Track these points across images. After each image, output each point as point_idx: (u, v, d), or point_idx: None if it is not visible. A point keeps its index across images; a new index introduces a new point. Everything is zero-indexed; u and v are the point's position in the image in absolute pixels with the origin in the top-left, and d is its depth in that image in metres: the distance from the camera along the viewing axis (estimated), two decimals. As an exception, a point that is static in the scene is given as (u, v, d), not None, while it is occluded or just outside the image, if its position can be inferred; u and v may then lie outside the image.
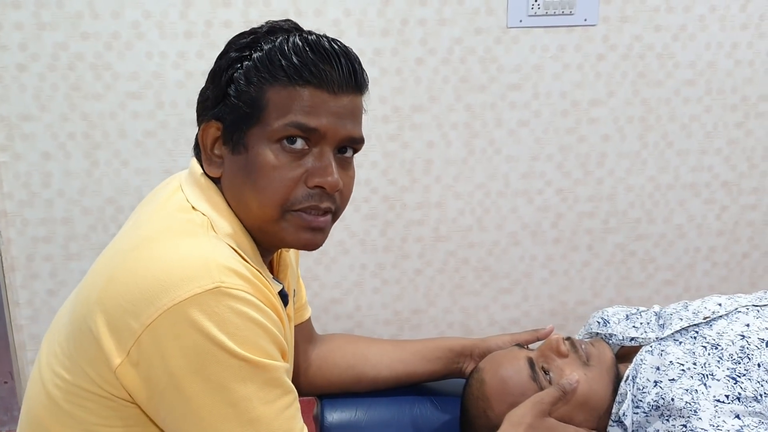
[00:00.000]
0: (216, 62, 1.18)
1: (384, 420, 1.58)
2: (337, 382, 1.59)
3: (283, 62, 1.11)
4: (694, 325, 1.43)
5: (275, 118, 1.11)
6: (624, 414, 1.36)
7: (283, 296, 1.22)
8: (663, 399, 1.32)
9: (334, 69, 1.12)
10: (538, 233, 2.28)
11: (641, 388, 1.37)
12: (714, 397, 1.29)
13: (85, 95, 1.98)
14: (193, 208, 1.14)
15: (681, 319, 1.46)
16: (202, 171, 1.19)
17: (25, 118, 1.97)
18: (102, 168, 2.04)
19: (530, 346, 1.58)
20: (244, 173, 1.13)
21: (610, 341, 1.54)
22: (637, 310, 1.60)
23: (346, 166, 1.18)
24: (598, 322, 1.60)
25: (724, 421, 1.25)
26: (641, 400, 1.36)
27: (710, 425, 1.26)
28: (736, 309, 1.44)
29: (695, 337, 1.40)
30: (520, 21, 2.09)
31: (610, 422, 1.41)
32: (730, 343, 1.36)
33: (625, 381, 1.40)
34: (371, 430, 1.57)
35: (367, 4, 2.02)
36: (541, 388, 1.39)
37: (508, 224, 2.26)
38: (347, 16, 2.02)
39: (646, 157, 2.25)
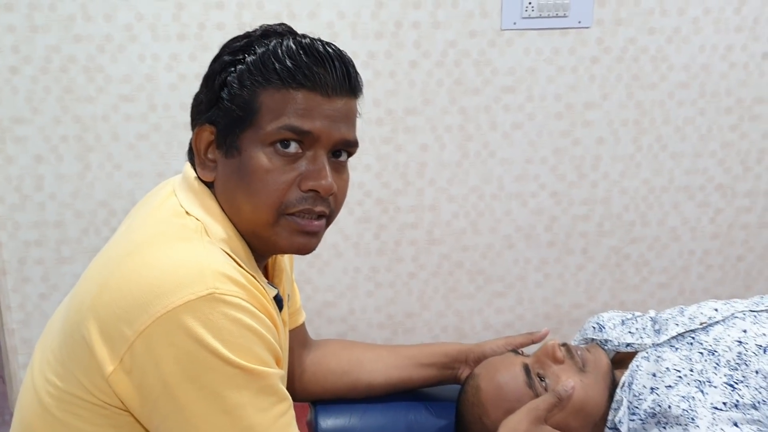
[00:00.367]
0: (210, 66, 1.17)
1: (378, 426, 1.57)
2: (332, 388, 1.58)
3: (276, 65, 1.10)
4: (691, 330, 1.43)
5: (268, 121, 1.10)
6: (620, 421, 1.36)
7: (278, 301, 1.21)
8: (660, 406, 1.32)
9: (328, 72, 1.11)
10: (532, 236, 2.28)
11: (637, 394, 1.37)
12: (711, 404, 1.28)
13: (78, 98, 1.97)
14: (186, 213, 1.13)
15: (677, 325, 1.45)
16: (195, 175, 1.18)
17: (17, 120, 1.96)
18: (94, 171, 2.02)
19: (526, 350, 1.57)
20: (238, 177, 1.12)
21: (606, 347, 1.53)
22: (633, 315, 1.59)
23: (340, 169, 1.17)
24: (594, 328, 1.59)
25: (722, 429, 1.25)
26: (637, 407, 1.35)
27: (707, 432, 1.26)
28: (733, 314, 1.44)
29: (692, 343, 1.40)
30: (514, 23, 2.08)
31: (606, 429, 1.40)
32: (727, 349, 1.35)
33: (621, 387, 1.39)
34: (365, 436, 1.56)
35: (361, 6, 2.01)
36: (537, 395, 1.38)
37: (502, 227, 2.25)
38: (341, 19, 2.01)
39: (640, 160, 2.25)
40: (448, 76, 2.10)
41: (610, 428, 1.39)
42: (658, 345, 1.43)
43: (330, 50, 1.13)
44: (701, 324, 1.43)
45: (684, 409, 1.29)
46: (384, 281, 2.25)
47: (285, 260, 1.39)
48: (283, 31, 1.16)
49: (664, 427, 1.31)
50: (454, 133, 2.14)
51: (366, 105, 1.19)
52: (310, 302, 2.21)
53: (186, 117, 1.20)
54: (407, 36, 2.05)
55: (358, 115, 1.18)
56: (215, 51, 1.19)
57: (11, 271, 2.06)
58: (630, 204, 2.29)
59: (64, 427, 1.09)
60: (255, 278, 1.11)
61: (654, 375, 1.37)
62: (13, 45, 1.91)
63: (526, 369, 1.42)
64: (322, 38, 1.15)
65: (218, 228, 1.13)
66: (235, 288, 1.03)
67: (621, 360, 1.52)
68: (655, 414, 1.32)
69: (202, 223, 1.12)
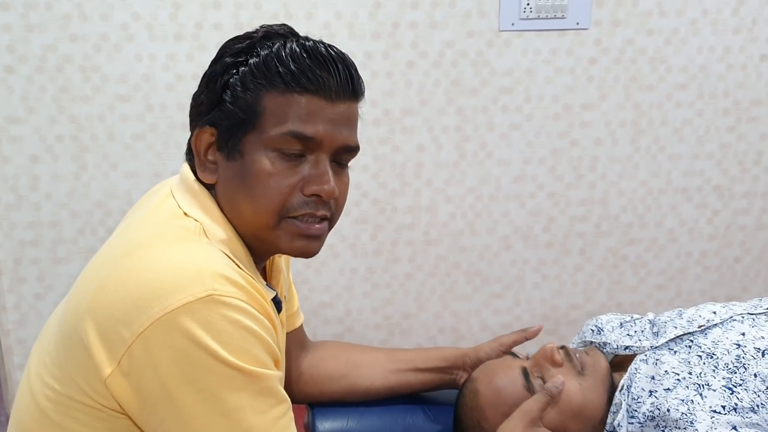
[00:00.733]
0: (210, 67, 1.16)
1: (376, 429, 1.57)
2: (329, 391, 1.58)
3: (280, 69, 1.10)
4: (689, 333, 1.43)
5: (272, 125, 1.10)
6: (619, 424, 1.35)
7: (277, 303, 1.21)
8: (658, 409, 1.31)
9: (332, 75, 1.11)
10: (530, 237, 2.27)
11: (636, 398, 1.36)
12: (710, 407, 1.28)
13: (74, 98, 1.96)
14: (185, 214, 1.13)
15: (675, 327, 1.45)
16: (194, 177, 1.17)
17: (13, 120, 1.95)
18: (90, 171, 2.02)
19: (525, 351, 1.57)
20: (239, 180, 1.12)
21: (604, 350, 1.53)
22: (631, 317, 1.59)
23: (340, 173, 1.17)
24: (592, 330, 1.59)
25: (721, 432, 1.25)
26: (636, 411, 1.35)
27: (707, 436, 1.26)
28: (731, 317, 1.44)
29: (690, 346, 1.40)
30: (512, 24, 2.08)
31: (605, 432, 1.40)
32: (726, 353, 1.35)
33: (620, 391, 1.39)
34: (363, 439, 1.56)
35: (358, 6, 2.01)
36: (536, 398, 1.38)
37: (500, 228, 2.25)
38: (338, 19, 2.01)
39: (638, 161, 2.25)
40: (446, 77, 2.09)
41: (608, 431, 1.39)
42: (656, 348, 1.43)
43: (333, 53, 1.13)
44: (699, 327, 1.43)
45: (683, 413, 1.28)
46: (381, 282, 2.25)
47: (282, 261, 1.39)
48: (285, 33, 1.16)
49: (663, 431, 1.30)
50: (452, 133, 2.14)
51: (363, 105, 1.19)
52: (306, 303, 2.21)
53: (183, 117, 1.20)
54: (404, 36, 2.05)
55: (359, 118, 1.18)
56: (212, 51, 1.18)
57: (7, 272, 2.05)
58: (628, 205, 2.29)
59: (61, 431, 1.08)
60: (254, 280, 1.11)
61: (653, 378, 1.37)
62: (8, 44, 1.90)
63: (525, 372, 1.42)
64: (323, 40, 1.15)
65: (217, 229, 1.12)
66: (234, 289, 1.03)
67: (620, 363, 1.52)
68: (654, 417, 1.32)
69: (201, 225, 1.12)
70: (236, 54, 1.14)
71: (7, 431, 1.22)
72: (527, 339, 1.60)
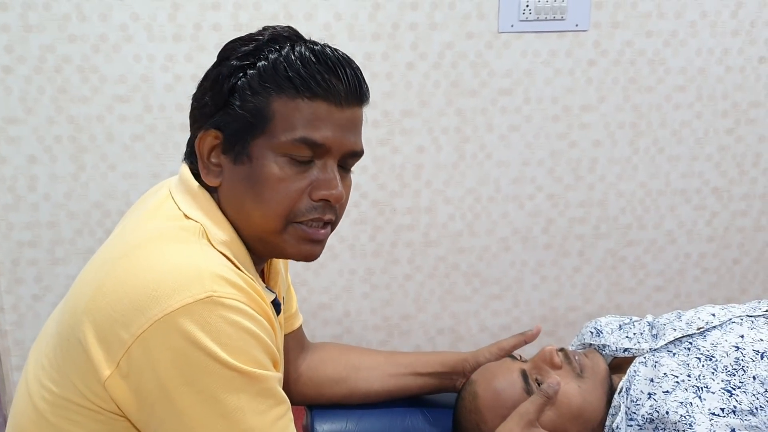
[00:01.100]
0: (214, 69, 1.15)
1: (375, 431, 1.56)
2: (328, 394, 1.57)
3: (290, 73, 1.09)
4: (688, 335, 1.42)
5: (282, 130, 1.09)
6: (618, 427, 1.35)
7: (276, 305, 1.20)
8: (657, 412, 1.31)
9: (341, 81, 1.10)
10: (528, 239, 2.27)
11: (635, 400, 1.36)
12: (709, 410, 1.28)
13: (72, 98, 1.96)
14: (185, 216, 1.12)
15: (674, 330, 1.45)
16: (194, 178, 1.17)
17: (11, 121, 1.95)
18: (89, 172, 2.01)
19: (524, 353, 1.57)
20: (248, 184, 1.11)
21: (603, 352, 1.53)
22: (630, 319, 1.58)
23: (344, 177, 1.18)
24: (591, 332, 1.59)
25: (720, 435, 1.25)
26: (635, 413, 1.35)
27: (706, 439, 1.25)
28: (730, 319, 1.43)
29: (689, 349, 1.39)
30: (512, 26, 2.08)
31: (604, 434, 1.40)
32: (725, 355, 1.35)
33: (619, 393, 1.39)
34: (361, 442, 1.56)
35: (358, 8, 2.01)
36: (535, 401, 1.37)
37: (499, 229, 2.25)
38: (338, 20, 2.01)
39: (636, 163, 2.25)
40: (445, 78, 2.09)
41: (607, 434, 1.39)
42: (655, 350, 1.43)
43: (340, 57, 1.12)
44: (698, 329, 1.43)
45: (682, 415, 1.28)
46: (380, 283, 2.24)
47: (280, 263, 1.38)
48: (291, 36, 1.15)
49: (662, 433, 1.30)
50: (451, 135, 2.14)
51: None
52: (305, 304, 2.21)
53: (181, 118, 1.19)
54: (404, 38, 2.05)
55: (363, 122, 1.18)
56: (211, 52, 1.17)
57: (4, 272, 2.05)
58: (626, 207, 2.29)
59: (58, 433, 1.08)
60: (253, 281, 1.11)
61: (652, 380, 1.37)
62: (6, 44, 1.90)
63: (524, 375, 1.42)
64: (323, 42, 1.15)
65: (219, 231, 1.12)
66: (233, 291, 1.03)
67: (619, 365, 1.51)
68: (653, 420, 1.32)
69: (201, 226, 1.11)
70: (243, 57, 1.12)
71: (5, 433, 1.21)
72: (527, 342, 1.60)
